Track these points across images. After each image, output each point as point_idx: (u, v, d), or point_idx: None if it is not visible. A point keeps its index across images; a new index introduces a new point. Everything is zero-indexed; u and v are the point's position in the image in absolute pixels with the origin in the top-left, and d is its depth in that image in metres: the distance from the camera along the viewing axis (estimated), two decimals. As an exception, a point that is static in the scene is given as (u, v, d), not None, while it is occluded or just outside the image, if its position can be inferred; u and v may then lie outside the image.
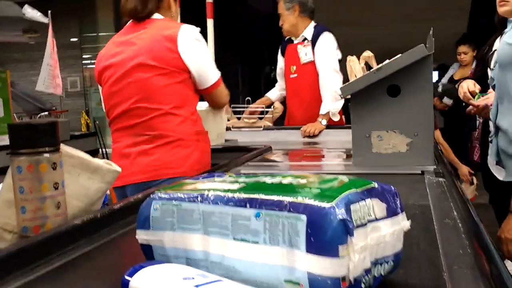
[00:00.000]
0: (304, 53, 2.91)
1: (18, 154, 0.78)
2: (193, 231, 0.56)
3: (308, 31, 2.90)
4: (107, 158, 0.97)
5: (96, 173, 0.91)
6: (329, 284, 0.45)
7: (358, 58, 2.10)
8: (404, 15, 8.60)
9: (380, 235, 0.51)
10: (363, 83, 1.39)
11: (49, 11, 4.05)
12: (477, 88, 2.16)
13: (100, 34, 8.93)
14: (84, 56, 9.09)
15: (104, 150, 5.38)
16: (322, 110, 2.74)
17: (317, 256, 0.45)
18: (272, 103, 3.08)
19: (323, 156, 2.14)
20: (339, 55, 2.88)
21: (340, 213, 0.45)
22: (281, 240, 0.48)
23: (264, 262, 0.50)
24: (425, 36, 1.41)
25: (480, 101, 2.03)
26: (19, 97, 4.38)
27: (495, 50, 2.21)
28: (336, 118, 2.78)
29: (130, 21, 1.75)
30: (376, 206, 0.51)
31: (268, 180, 0.59)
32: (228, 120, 2.75)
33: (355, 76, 1.93)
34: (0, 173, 0.95)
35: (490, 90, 2.12)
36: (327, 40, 2.85)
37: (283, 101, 3.13)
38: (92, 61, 9.07)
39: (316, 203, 0.47)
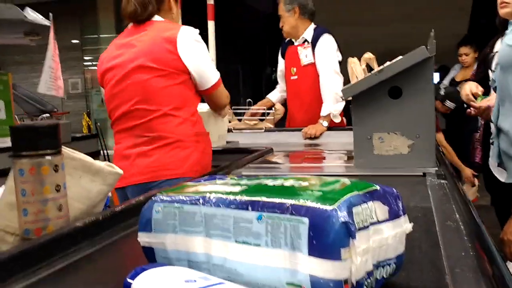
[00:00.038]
0: (305, 55, 2.91)
1: (20, 156, 0.78)
2: (195, 233, 0.56)
3: (308, 33, 2.90)
4: (109, 160, 0.97)
5: (98, 175, 0.91)
6: (331, 286, 0.45)
7: (359, 60, 2.11)
8: (404, 16, 8.60)
9: (382, 237, 0.51)
10: (365, 85, 1.39)
11: (51, 14, 4.05)
12: (479, 90, 2.16)
13: (101, 36, 8.94)
14: (85, 58, 9.11)
15: (105, 151, 5.38)
16: (323, 112, 2.74)
17: (319, 259, 0.45)
18: (273, 105, 3.09)
19: (324, 158, 2.14)
20: (339, 56, 2.88)
21: (342, 215, 0.45)
22: (283, 243, 0.48)
23: (266, 264, 0.50)
24: (425, 37, 1.41)
25: (482, 103, 2.02)
26: (20, 99, 4.38)
27: (496, 52, 2.21)
28: (337, 120, 2.79)
29: (131, 23, 1.76)
30: (378, 209, 0.51)
31: (270, 182, 0.58)
32: (229, 122, 2.75)
33: (356, 78, 1.93)
34: (2, 175, 0.95)
35: (492, 92, 2.12)
36: (327, 42, 2.85)
37: (284, 103, 3.13)
38: (93, 63, 9.09)
39: (318, 205, 0.47)
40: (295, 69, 2.96)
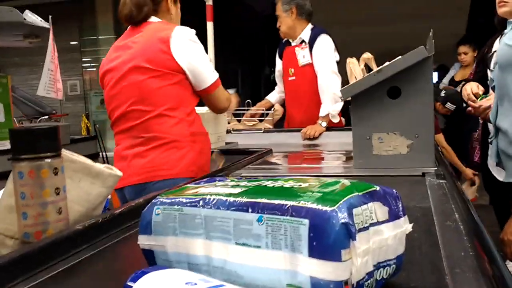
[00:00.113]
0: (302, 56, 2.91)
1: (19, 159, 0.78)
2: (195, 236, 0.56)
3: (306, 34, 2.90)
4: (107, 162, 0.97)
5: (98, 178, 0.91)
6: (332, 288, 0.45)
7: (358, 60, 2.11)
8: (403, 15, 8.62)
9: (382, 238, 0.51)
10: (364, 85, 1.39)
11: (50, 16, 4.06)
12: (480, 90, 2.17)
13: (100, 37, 8.94)
14: (84, 60, 9.10)
15: (104, 153, 5.38)
16: (322, 112, 2.75)
17: (319, 260, 0.45)
18: (272, 106, 3.09)
19: (323, 159, 2.14)
20: (337, 56, 2.88)
21: (343, 217, 0.45)
22: (283, 245, 0.48)
23: (267, 266, 0.50)
24: (424, 36, 1.41)
25: (482, 102, 2.03)
26: (19, 101, 4.39)
27: (495, 51, 2.21)
28: (336, 120, 2.79)
29: (129, 26, 1.77)
30: (378, 210, 0.51)
31: (270, 184, 0.58)
32: (229, 123, 2.75)
33: (355, 78, 1.93)
34: (1, 178, 0.95)
35: (491, 91, 2.13)
36: (325, 42, 2.85)
37: (283, 104, 3.13)
38: (92, 65, 9.09)
39: (319, 207, 0.47)
40: (293, 69, 2.97)
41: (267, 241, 0.49)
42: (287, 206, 0.49)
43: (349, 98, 1.46)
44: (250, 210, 0.52)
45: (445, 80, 4.68)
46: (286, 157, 2.13)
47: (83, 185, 0.90)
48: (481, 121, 2.89)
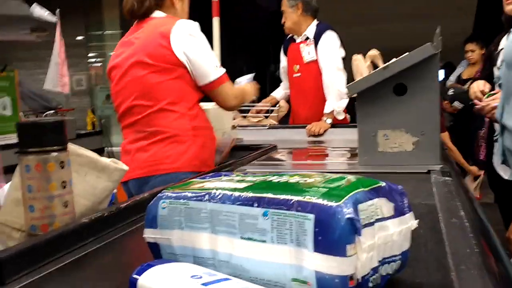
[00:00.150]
0: (307, 52, 2.90)
1: (26, 153, 0.79)
2: (201, 229, 0.56)
3: (311, 30, 2.89)
4: (113, 156, 0.98)
5: (104, 172, 0.91)
6: (337, 282, 0.45)
7: (364, 57, 2.10)
8: (410, 13, 8.57)
9: (387, 234, 0.51)
10: (370, 81, 1.39)
11: (58, 10, 4.07)
12: (487, 87, 2.16)
13: (106, 32, 8.95)
14: (89, 55, 9.11)
15: (109, 148, 5.40)
16: (327, 109, 2.74)
17: (324, 255, 0.46)
18: (278, 102, 3.08)
19: (328, 155, 2.14)
20: (342, 53, 2.87)
21: (348, 212, 0.46)
22: (288, 239, 0.48)
23: (272, 261, 0.50)
24: (430, 34, 1.41)
25: (489, 100, 2.02)
26: (26, 95, 4.40)
27: (502, 49, 2.20)
28: (341, 117, 2.78)
29: (135, 21, 1.77)
30: (383, 206, 0.51)
31: (275, 179, 0.59)
32: (234, 119, 2.75)
33: (361, 74, 1.93)
34: (8, 172, 0.96)
35: (497, 88, 2.12)
36: (330, 38, 2.84)
37: (288, 100, 3.13)
38: (98, 60, 9.10)
39: (324, 202, 0.47)
40: (298, 66, 2.96)
41: (273, 235, 0.50)
42: (292, 201, 0.49)
43: (355, 95, 1.46)
44: (255, 205, 0.52)
45: (452, 78, 4.66)
46: (291, 153, 2.13)
47: (89, 179, 0.90)
48: (487, 119, 2.88)
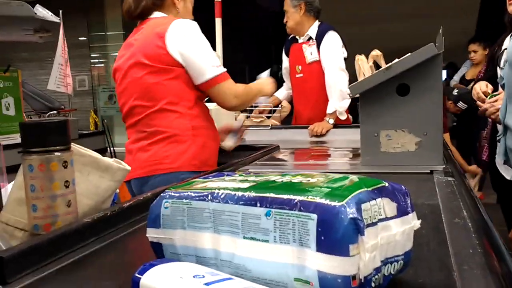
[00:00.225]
0: (310, 53, 2.90)
1: (30, 152, 0.79)
2: (204, 229, 0.56)
3: (313, 30, 2.89)
4: (115, 157, 0.98)
5: (107, 172, 0.91)
6: (339, 282, 0.45)
7: (367, 57, 2.10)
8: (412, 13, 8.56)
9: (390, 234, 0.51)
10: (373, 82, 1.38)
11: (61, 11, 4.09)
12: (489, 88, 2.16)
13: (108, 33, 8.96)
14: (92, 55, 9.13)
15: (112, 148, 5.41)
16: (329, 109, 2.74)
17: (327, 255, 0.45)
18: (280, 102, 3.08)
19: (330, 155, 2.13)
20: (344, 53, 2.87)
21: (351, 212, 0.45)
22: (291, 239, 0.48)
23: (274, 260, 0.50)
24: (431, 34, 1.41)
25: (492, 100, 2.02)
26: (28, 96, 4.42)
27: (505, 49, 2.20)
28: (343, 117, 2.78)
29: (138, 22, 1.78)
30: (386, 205, 0.51)
31: (278, 179, 0.59)
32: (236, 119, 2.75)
33: (364, 75, 1.92)
34: (11, 171, 0.96)
35: (501, 90, 2.11)
36: (332, 39, 2.84)
37: (291, 100, 3.13)
38: (100, 60, 9.13)
39: (327, 202, 0.47)
40: (300, 67, 2.96)
41: (275, 235, 0.50)
42: (295, 201, 0.49)
43: (357, 95, 1.46)
44: (258, 205, 0.52)
45: (456, 78, 4.66)
46: (293, 153, 2.13)
47: (92, 178, 0.90)
48: (490, 120, 2.87)
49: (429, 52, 1.32)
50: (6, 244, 0.81)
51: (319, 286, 0.46)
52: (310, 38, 2.90)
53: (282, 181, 0.57)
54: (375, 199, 0.50)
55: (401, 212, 0.53)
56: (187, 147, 1.66)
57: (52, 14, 3.49)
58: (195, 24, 1.67)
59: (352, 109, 2.83)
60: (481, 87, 2.19)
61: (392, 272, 0.52)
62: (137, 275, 0.51)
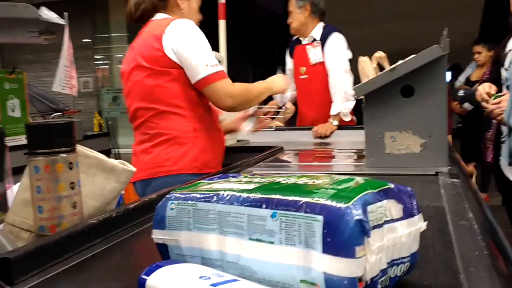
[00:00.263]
0: (314, 54, 2.90)
1: (35, 154, 0.79)
2: (209, 231, 0.56)
3: (317, 31, 2.89)
4: (120, 158, 0.98)
5: (112, 173, 0.92)
6: (346, 284, 0.45)
7: (370, 59, 2.09)
8: (415, 14, 8.55)
9: (396, 236, 0.51)
10: (377, 83, 1.38)
11: (66, 13, 4.10)
12: (493, 89, 2.15)
13: (112, 35, 8.99)
14: (96, 57, 9.16)
15: (116, 150, 5.42)
16: (333, 111, 2.74)
17: (333, 257, 0.45)
18: (284, 104, 3.08)
19: (335, 157, 2.13)
20: (349, 54, 2.87)
21: (357, 213, 0.45)
22: (297, 241, 0.48)
23: (280, 262, 0.50)
24: (433, 34, 1.40)
25: (496, 101, 2.01)
26: (33, 97, 4.43)
27: (510, 50, 2.19)
28: (347, 119, 2.78)
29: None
30: (392, 207, 0.51)
31: (283, 180, 0.59)
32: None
33: (367, 76, 1.92)
34: (16, 173, 0.96)
35: (505, 91, 2.10)
36: (337, 40, 2.84)
37: (295, 102, 3.13)
38: (105, 62, 9.15)
39: (333, 203, 0.47)
40: (304, 68, 2.96)
41: (281, 237, 0.50)
42: (301, 203, 0.49)
43: (361, 97, 1.46)
44: (264, 206, 0.52)
45: (461, 79, 4.66)
46: (297, 155, 2.13)
47: (98, 180, 0.90)
48: (495, 121, 2.87)
49: (434, 53, 1.32)
50: (12, 245, 0.81)
51: (325, 288, 0.46)
52: (315, 39, 2.90)
53: (287, 182, 0.57)
54: (381, 201, 0.50)
55: (407, 214, 0.53)
56: (188, 149, 1.66)
57: (58, 16, 3.50)
58: (192, 23, 1.65)
59: (356, 110, 2.83)
60: (485, 88, 2.19)
61: (398, 274, 0.52)
62: (143, 276, 0.51)
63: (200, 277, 0.48)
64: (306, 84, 2.97)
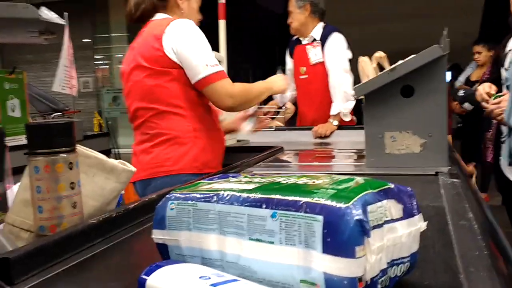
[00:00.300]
0: (314, 54, 2.90)
1: (35, 154, 0.79)
2: (209, 231, 0.56)
3: (317, 32, 2.89)
4: (120, 158, 0.98)
5: (112, 173, 0.92)
6: (346, 284, 0.45)
7: (370, 59, 2.09)
8: (415, 14, 8.55)
9: (396, 236, 0.51)
10: (377, 83, 1.38)
11: (66, 13, 4.10)
12: (492, 89, 2.15)
13: (112, 35, 8.99)
14: (96, 57, 9.15)
15: (116, 150, 5.42)
16: (333, 111, 2.74)
17: (333, 257, 0.45)
18: (284, 104, 3.08)
19: (335, 157, 2.13)
20: (349, 54, 2.87)
21: (357, 213, 0.45)
22: (297, 241, 0.48)
23: (280, 262, 0.50)
24: (433, 34, 1.40)
25: (496, 101, 2.01)
26: (33, 97, 4.43)
27: (510, 50, 2.19)
28: (347, 119, 2.78)
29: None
30: (392, 207, 0.51)
31: (283, 180, 0.59)
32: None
33: (367, 76, 1.92)
34: (16, 173, 0.96)
35: (505, 91, 2.11)
36: (337, 40, 2.84)
37: (295, 102, 3.13)
38: (105, 62, 9.15)
39: (333, 203, 0.47)
40: (304, 68, 2.96)
41: (281, 237, 0.50)
42: (301, 203, 0.49)
43: (361, 97, 1.46)
44: (264, 206, 0.52)
45: (462, 78, 4.66)
46: (297, 155, 2.13)
47: (98, 180, 0.90)
48: (494, 121, 2.87)
49: (434, 53, 1.32)
50: (12, 245, 0.81)
51: (325, 288, 0.46)
52: (315, 39, 2.90)
53: (287, 182, 0.57)
54: (381, 201, 0.50)
55: (407, 214, 0.53)
56: (188, 149, 1.66)
57: (58, 16, 3.50)
58: (192, 23, 1.65)
59: (356, 110, 2.83)
60: (485, 88, 2.19)
61: (398, 274, 0.52)
62: (143, 276, 0.51)
63: (200, 277, 0.48)
64: (306, 84, 2.97)
